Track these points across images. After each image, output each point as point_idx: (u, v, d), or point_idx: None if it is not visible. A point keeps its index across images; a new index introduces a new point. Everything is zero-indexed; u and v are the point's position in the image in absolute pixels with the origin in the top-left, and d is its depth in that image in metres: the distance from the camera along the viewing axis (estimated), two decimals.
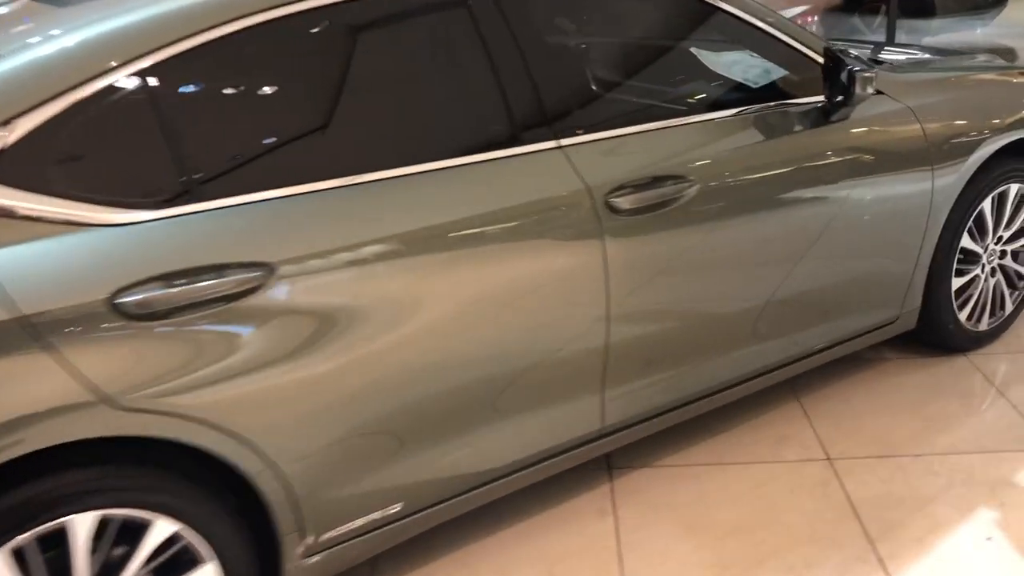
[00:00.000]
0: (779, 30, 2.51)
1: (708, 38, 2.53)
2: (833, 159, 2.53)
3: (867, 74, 2.42)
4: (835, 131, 2.54)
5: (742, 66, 2.50)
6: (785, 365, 2.72)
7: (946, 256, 2.92)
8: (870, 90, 2.45)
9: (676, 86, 2.49)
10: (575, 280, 2.13)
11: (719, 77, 2.53)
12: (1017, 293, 3.23)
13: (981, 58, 3.51)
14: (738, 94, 2.50)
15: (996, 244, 3.08)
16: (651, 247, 2.23)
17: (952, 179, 2.78)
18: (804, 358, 2.76)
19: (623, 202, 2.16)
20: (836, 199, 2.55)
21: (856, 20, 9.70)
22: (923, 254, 2.83)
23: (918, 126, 2.70)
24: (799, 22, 9.86)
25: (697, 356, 2.46)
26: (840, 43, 3.53)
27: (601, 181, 2.14)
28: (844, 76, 2.41)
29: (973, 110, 2.85)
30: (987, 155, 2.86)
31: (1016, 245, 3.14)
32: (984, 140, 2.83)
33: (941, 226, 2.84)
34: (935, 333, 3.09)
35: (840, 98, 2.45)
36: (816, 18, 10.08)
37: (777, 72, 2.54)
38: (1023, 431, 2.71)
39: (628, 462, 2.68)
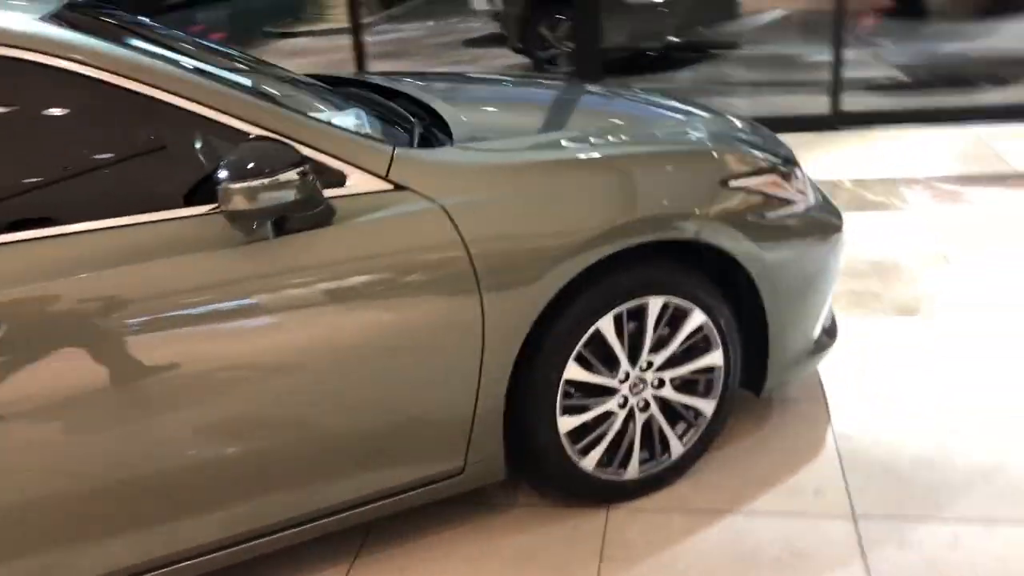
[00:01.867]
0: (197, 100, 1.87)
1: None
2: (286, 285, 1.90)
3: (246, 184, 1.76)
4: (288, 246, 1.91)
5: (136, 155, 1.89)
6: (276, 532, 2.10)
7: (542, 392, 2.24)
8: (259, 203, 1.77)
9: None
10: None
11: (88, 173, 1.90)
12: (692, 430, 2.49)
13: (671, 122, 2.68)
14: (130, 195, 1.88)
15: (645, 371, 2.36)
16: None
17: (520, 299, 2.10)
18: (316, 520, 2.14)
19: None
20: (293, 337, 1.93)
21: None
22: (486, 395, 2.16)
23: (451, 233, 2.02)
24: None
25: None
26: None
27: None
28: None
29: (564, 207, 2.15)
30: (584, 266, 2.15)
31: (678, 372, 2.41)
32: (580, 248, 2.12)
33: (513, 358, 2.16)
34: (549, 483, 2.41)
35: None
36: None
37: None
38: None
39: None
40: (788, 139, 5.54)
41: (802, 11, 9.01)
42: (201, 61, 2.14)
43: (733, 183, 2.35)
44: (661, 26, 8.00)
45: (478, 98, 2.90)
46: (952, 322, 3.25)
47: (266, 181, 1.77)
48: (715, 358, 2.43)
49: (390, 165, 2.03)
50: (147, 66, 1.84)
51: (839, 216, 2.63)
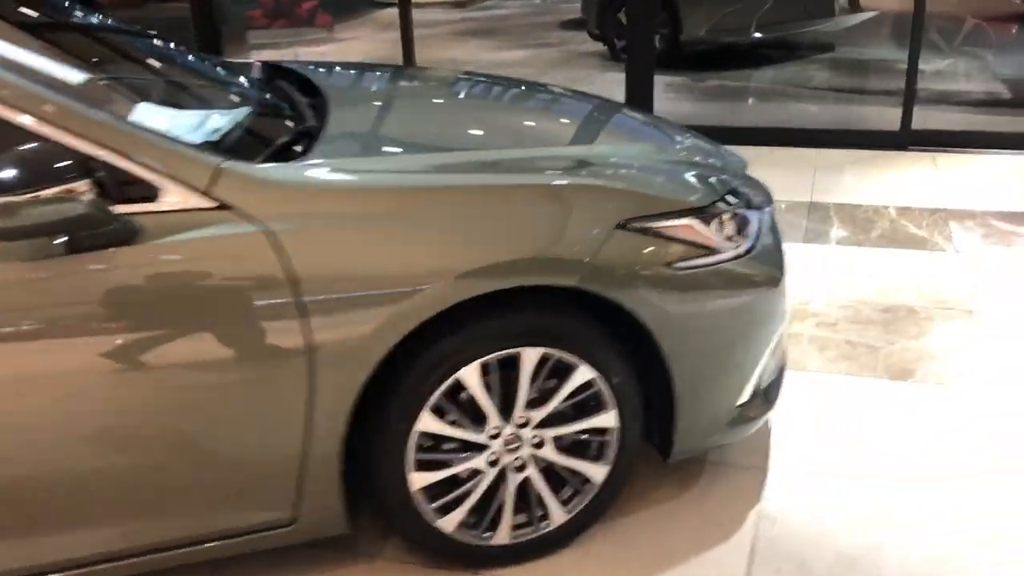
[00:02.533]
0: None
1: None
2: (71, 307, 1.72)
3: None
4: (78, 265, 1.72)
5: None
6: (96, 563, 1.94)
7: (390, 444, 2.00)
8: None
9: None
10: None
11: None
12: (578, 496, 2.21)
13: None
14: None
15: (523, 428, 2.10)
16: None
17: (357, 342, 1.86)
18: (140, 555, 1.97)
19: None
20: (77, 363, 1.75)
21: None
22: (318, 442, 1.94)
23: (274, 261, 1.80)
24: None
25: None
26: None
27: None
28: None
29: (417, 241, 1.89)
30: (438, 310, 1.90)
31: (561, 431, 2.13)
32: (434, 289, 1.87)
33: (348, 405, 1.92)
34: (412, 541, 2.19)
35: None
36: None
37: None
38: None
39: None
40: (848, 156, 5.08)
41: (900, 11, 8.30)
42: (39, 50, 1.97)
43: (634, 225, 2.04)
44: (744, 21, 7.49)
45: (406, 105, 2.66)
46: (947, 396, 2.82)
47: (33, 196, 1.59)
48: (608, 419, 2.14)
49: (214, 180, 1.82)
50: None
51: (781, 268, 2.28)
